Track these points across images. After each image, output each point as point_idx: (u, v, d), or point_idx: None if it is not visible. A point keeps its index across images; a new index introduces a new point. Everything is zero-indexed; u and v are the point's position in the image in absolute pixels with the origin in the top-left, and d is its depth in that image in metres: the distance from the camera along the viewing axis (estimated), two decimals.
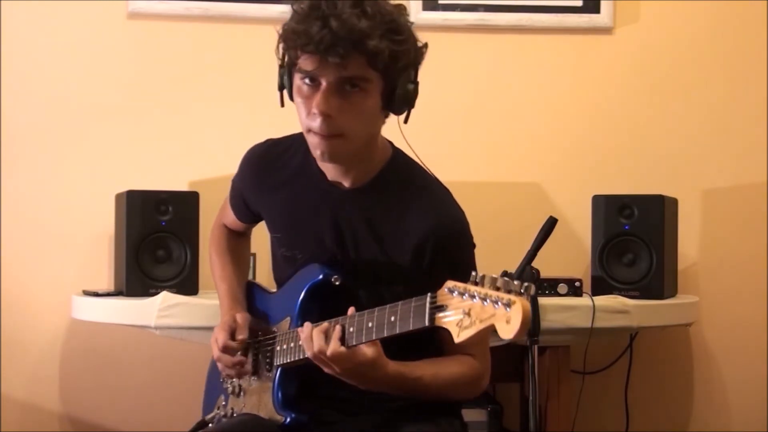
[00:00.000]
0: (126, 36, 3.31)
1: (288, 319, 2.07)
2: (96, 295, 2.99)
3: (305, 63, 1.87)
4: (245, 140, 2.23)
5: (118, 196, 3.04)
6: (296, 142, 2.12)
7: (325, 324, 1.89)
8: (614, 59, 3.41)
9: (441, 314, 1.67)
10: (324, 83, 1.87)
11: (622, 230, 2.97)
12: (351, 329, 1.86)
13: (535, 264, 2.04)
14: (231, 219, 2.33)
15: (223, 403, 2.20)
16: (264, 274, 2.97)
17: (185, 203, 2.95)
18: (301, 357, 1.98)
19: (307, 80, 1.90)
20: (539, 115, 3.41)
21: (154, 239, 2.93)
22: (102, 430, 3.29)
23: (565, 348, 2.90)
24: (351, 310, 1.89)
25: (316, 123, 1.89)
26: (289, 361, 2.03)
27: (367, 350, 1.85)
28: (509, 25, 3.36)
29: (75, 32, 3.31)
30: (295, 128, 2.19)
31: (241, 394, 2.15)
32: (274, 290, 2.25)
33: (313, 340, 1.88)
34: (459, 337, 1.62)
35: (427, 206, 2.01)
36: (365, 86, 1.89)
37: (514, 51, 3.41)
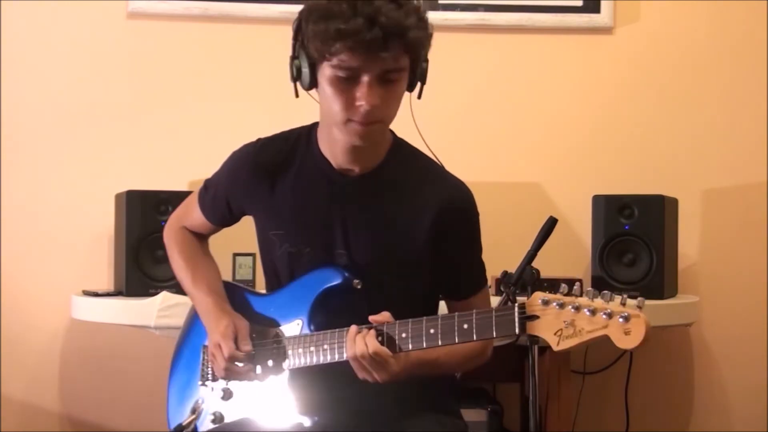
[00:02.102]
0: (126, 36, 3.32)
1: (298, 321, 2.06)
2: (96, 295, 2.99)
3: (349, 59, 1.87)
4: (245, 140, 2.22)
5: (118, 196, 3.04)
6: (291, 138, 2.12)
7: (374, 329, 1.91)
8: (614, 59, 3.41)
9: (533, 323, 1.77)
10: (367, 78, 1.89)
11: (623, 230, 2.97)
12: (404, 335, 1.89)
13: (535, 264, 2.03)
14: (197, 222, 2.28)
15: (203, 406, 2.14)
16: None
17: None
18: (321, 361, 1.99)
19: (342, 73, 1.90)
20: (539, 115, 3.41)
21: (154, 239, 2.93)
22: (102, 430, 3.29)
23: None
24: (386, 315, 1.92)
25: (360, 114, 1.91)
26: (305, 365, 2.02)
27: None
28: (509, 25, 3.36)
29: (75, 32, 3.31)
30: (295, 126, 2.19)
31: (232, 397, 2.12)
32: (262, 291, 2.22)
33: (356, 342, 1.90)
34: (559, 346, 1.73)
35: (437, 182, 2.06)
36: (402, 74, 1.93)
37: (514, 51, 3.41)
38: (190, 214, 2.29)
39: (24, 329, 3.26)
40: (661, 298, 2.94)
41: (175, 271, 2.29)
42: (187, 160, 3.29)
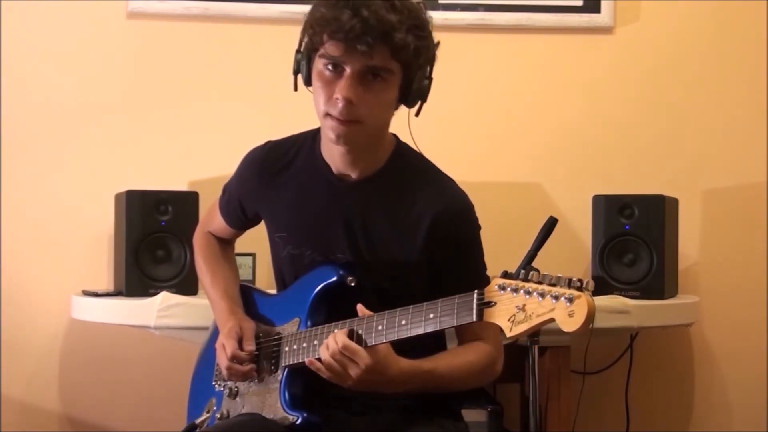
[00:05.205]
0: (126, 36, 3.31)
1: (296, 320, 2.08)
2: (96, 295, 2.99)
3: (331, 49, 1.92)
4: (245, 140, 2.23)
5: (118, 196, 3.03)
6: (297, 141, 2.15)
7: (346, 328, 1.91)
8: (614, 59, 3.41)
9: (490, 310, 1.72)
10: (348, 70, 1.92)
11: (623, 230, 2.97)
12: (379, 327, 1.88)
13: (535, 264, 2.03)
14: (219, 226, 2.33)
15: (216, 405, 2.18)
16: (264, 274, 2.98)
17: (185, 203, 2.95)
18: (312, 357, 1.98)
19: (330, 66, 1.94)
20: (539, 115, 3.41)
21: (154, 239, 2.93)
22: (102, 430, 3.29)
23: (565, 348, 2.90)
24: (360, 308, 1.91)
25: (337, 108, 1.93)
26: (297, 361, 2.03)
27: (379, 347, 1.87)
28: (509, 25, 3.36)
29: (75, 32, 3.31)
30: (295, 128, 2.20)
31: (238, 395, 2.14)
32: (273, 292, 2.24)
33: (329, 344, 1.89)
34: (511, 332, 1.69)
35: (435, 190, 2.06)
36: (387, 77, 1.94)
37: (514, 51, 3.40)
38: (213, 219, 2.34)
39: (24, 329, 3.26)
40: (662, 298, 2.94)
41: (198, 274, 2.37)
42: (187, 160, 3.29)
